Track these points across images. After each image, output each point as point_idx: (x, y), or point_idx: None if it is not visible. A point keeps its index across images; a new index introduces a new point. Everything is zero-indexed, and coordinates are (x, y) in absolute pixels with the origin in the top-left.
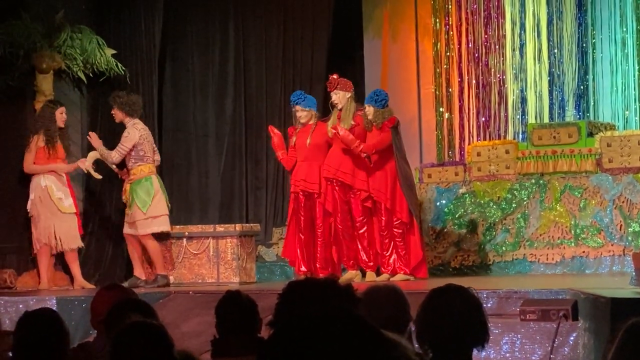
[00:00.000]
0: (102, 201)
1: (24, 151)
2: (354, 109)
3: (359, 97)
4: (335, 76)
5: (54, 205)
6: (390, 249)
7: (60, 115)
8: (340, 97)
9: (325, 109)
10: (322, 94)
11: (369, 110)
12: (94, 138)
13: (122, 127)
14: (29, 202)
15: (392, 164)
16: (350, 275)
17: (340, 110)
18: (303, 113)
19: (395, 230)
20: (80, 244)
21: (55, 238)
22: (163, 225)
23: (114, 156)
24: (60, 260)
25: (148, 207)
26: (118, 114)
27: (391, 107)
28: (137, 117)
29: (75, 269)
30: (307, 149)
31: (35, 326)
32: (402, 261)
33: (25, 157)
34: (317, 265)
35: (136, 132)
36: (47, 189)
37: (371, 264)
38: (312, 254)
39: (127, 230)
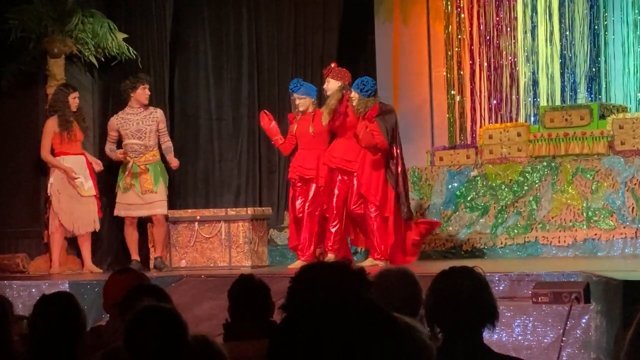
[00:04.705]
0: (113, 186)
1: (39, 135)
2: (339, 99)
3: None
4: (333, 65)
5: (74, 189)
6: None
7: (74, 100)
8: (330, 85)
9: None
10: None
11: (354, 96)
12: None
13: None
14: (49, 186)
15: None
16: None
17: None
18: (300, 101)
19: (370, 215)
20: (97, 227)
21: (74, 222)
22: None
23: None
24: (73, 244)
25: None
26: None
27: (378, 96)
28: None
29: (87, 252)
30: (310, 137)
31: (52, 309)
32: (371, 246)
33: (42, 144)
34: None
35: None
36: (67, 172)
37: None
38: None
39: (141, 212)
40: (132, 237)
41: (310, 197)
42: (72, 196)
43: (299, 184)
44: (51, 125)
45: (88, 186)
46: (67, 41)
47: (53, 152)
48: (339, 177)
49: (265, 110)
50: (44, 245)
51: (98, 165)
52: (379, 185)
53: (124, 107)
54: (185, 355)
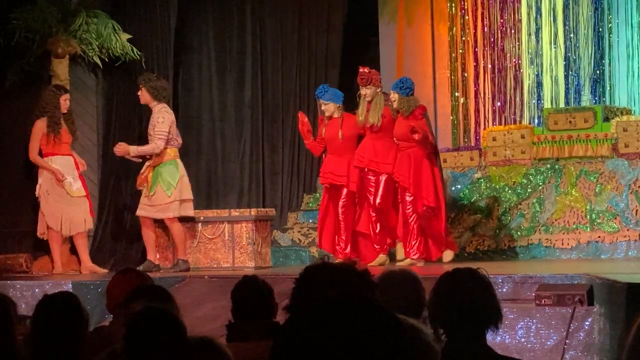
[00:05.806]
0: (118, 185)
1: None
2: (383, 103)
3: None
4: (367, 70)
5: (63, 190)
6: (415, 235)
7: (65, 102)
8: (371, 92)
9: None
10: (337, 79)
11: (394, 97)
12: (123, 147)
13: (138, 111)
14: (37, 187)
15: (416, 149)
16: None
17: (369, 102)
18: (325, 107)
19: (418, 215)
20: (91, 226)
21: (63, 223)
22: (189, 209)
23: (159, 145)
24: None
25: (173, 191)
26: (145, 96)
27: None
28: (165, 102)
29: (83, 252)
30: (339, 142)
31: (54, 310)
32: (419, 246)
33: (30, 145)
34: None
35: (168, 115)
36: (55, 174)
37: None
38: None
39: (143, 212)
40: (145, 236)
41: (342, 201)
42: (61, 196)
43: (331, 189)
44: (40, 126)
45: (77, 187)
46: (71, 42)
47: (41, 153)
48: (371, 178)
49: (302, 112)
50: (47, 246)
51: (82, 166)
52: (429, 184)
53: (129, 108)
54: (185, 356)
